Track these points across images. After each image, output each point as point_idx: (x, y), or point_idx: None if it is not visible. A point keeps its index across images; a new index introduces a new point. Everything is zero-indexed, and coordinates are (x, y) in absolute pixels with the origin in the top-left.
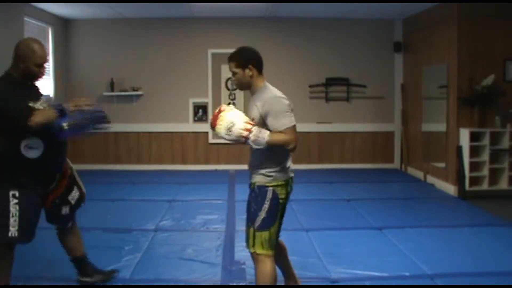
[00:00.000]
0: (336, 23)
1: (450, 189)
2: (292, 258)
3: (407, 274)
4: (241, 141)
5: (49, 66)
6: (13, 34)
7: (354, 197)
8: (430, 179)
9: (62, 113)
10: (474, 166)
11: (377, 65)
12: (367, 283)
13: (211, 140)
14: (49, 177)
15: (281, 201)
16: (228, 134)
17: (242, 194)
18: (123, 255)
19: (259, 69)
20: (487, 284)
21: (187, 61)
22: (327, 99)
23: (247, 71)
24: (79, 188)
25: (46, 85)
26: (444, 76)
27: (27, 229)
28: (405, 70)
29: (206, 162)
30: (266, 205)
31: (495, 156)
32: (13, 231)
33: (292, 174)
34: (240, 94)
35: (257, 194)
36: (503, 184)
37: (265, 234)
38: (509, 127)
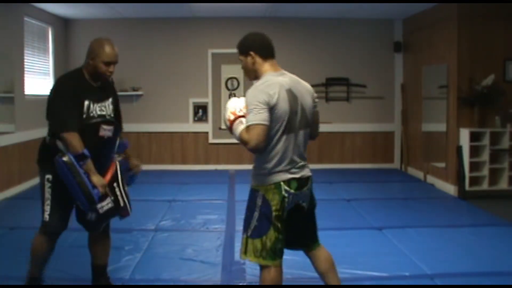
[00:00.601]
0: (336, 23)
1: (450, 189)
2: (292, 258)
3: (407, 274)
4: (230, 133)
5: (49, 66)
6: (13, 34)
7: (354, 197)
8: (430, 179)
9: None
10: (474, 166)
11: (377, 65)
12: (367, 283)
13: (211, 140)
14: None
15: (273, 207)
16: (226, 125)
17: (242, 194)
18: (123, 255)
19: (263, 56)
20: (487, 284)
21: (187, 61)
22: (327, 99)
23: (249, 58)
24: (115, 200)
25: (46, 85)
26: (444, 76)
27: (58, 214)
28: (405, 70)
29: (206, 162)
30: (257, 212)
31: (495, 156)
32: (46, 215)
33: (292, 176)
34: (240, 94)
35: (250, 198)
36: (503, 184)
37: (257, 242)
38: (509, 127)
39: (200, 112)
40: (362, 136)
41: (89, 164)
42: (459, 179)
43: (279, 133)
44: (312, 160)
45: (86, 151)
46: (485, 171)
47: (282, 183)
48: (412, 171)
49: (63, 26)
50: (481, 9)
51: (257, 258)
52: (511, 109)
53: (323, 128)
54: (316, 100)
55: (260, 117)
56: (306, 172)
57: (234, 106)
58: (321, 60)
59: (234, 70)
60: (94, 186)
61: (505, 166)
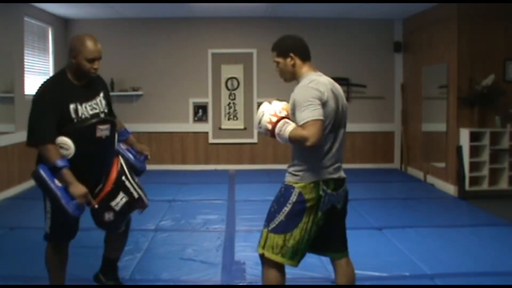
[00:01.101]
0: (336, 23)
1: (450, 189)
2: None
3: (407, 274)
4: (269, 135)
5: (49, 66)
6: (13, 34)
7: (354, 197)
8: (430, 179)
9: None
10: (474, 166)
11: (377, 65)
12: (367, 283)
13: (211, 140)
14: (88, 181)
15: (308, 205)
16: (259, 127)
17: (242, 194)
18: (123, 255)
19: (303, 57)
20: (487, 284)
21: (187, 61)
22: None
23: (288, 60)
24: (128, 193)
25: None
26: (444, 76)
27: (59, 227)
28: (405, 70)
29: (206, 162)
30: (287, 208)
31: (495, 156)
32: (47, 228)
33: (331, 176)
34: (240, 94)
35: (281, 193)
36: (503, 184)
37: (278, 239)
38: (509, 127)
39: (200, 112)
40: (362, 136)
41: (65, 175)
42: (459, 179)
43: (327, 131)
44: None
45: (59, 162)
46: (485, 171)
47: (321, 182)
48: (412, 171)
49: (63, 26)
50: (481, 9)
51: (275, 255)
52: (511, 109)
53: None
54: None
55: (317, 112)
56: (342, 173)
57: (273, 108)
58: (321, 60)
59: (234, 70)
60: (72, 197)
61: (505, 166)
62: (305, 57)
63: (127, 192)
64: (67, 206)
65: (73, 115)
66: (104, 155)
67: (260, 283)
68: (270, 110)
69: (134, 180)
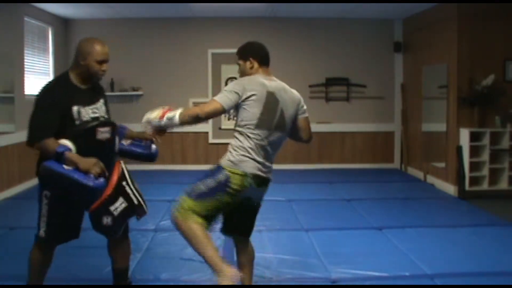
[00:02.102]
0: (336, 23)
1: (450, 189)
2: (292, 258)
3: (407, 274)
4: (159, 128)
5: (49, 66)
6: (13, 34)
7: (354, 197)
8: (430, 179)
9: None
10: (474, 166)
11: (377, 65)
12: (367, 283)
13: (211, 140)
14: None
15: (230, 190)
16: (154, 121)
17: None
18: None
19: (261, 62)
20: (487, 284)
21: (187, 61)
22: (327, 99)
23: (248, 63)
24: (128, 199)
25: None
26: (444, 76)
27: (56, 231)
28: (405, 70)
29: (206, 162)
30: (212, 183)
31: (495, 156)
32: (41, 231)
33: (261, 174)
34: None
35: (212, 171)
36: (503, 184)
37: (189, 201)
38: (509, 127)
39: None
40: (362, 136)
41: (69, 157)
42: (459, 179)
43: (252, 126)
44: (312, 160)
45: (58, 149)
46: (485, 171)
47: (249, 174)
48: (412, 171)
49: (63, 26)
50: (481, 9)
51: (184, 212)
52: (511, 109)
53: (323, 128)
54: (304, 107)
55: (223, 100)
56: (270, 175)
57: (157, 110)
58: (321, 60)
59: (234, 70)
60: (86, 172)
61: (505, 166)
62: (263, 62)
63: (127, 197)
64: (86, 182)
65: (76, 117)
66: (105, 158)
67: (260, 283)
68: (155, 111)
69: (134, 186)
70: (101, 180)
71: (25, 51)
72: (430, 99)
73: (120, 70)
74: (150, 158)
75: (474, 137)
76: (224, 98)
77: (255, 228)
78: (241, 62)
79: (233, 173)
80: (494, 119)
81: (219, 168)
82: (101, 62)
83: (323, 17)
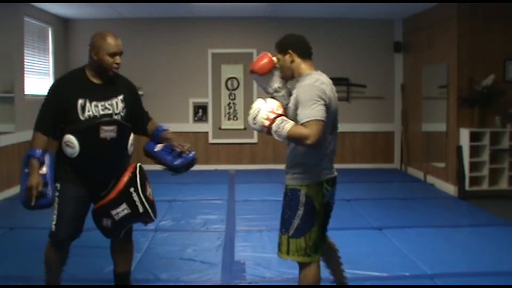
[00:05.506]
0: (336, 23)
1: (450, 189)
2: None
3: (407, 274)
4: (265, 131)
5: (49, 66)
6: (13, 34)
7: (354, 197)
8: (430, 179)
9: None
10: (474, 166)
11: (377, 65)
12: (367, 283)
13: (211, 140)
14: (93, 181)
15: (315, 203)
16: (254, 123)
17: (242, 194)
18: None
19: (302, 55)
20: (487, 284)
21: (187, 61)
22: None
23: (287, 56)
24: (133, 206)
25: (46, 85)
26: (444, 76)
27: (64, 225)
28: (405, 70)
29: (206, 162)
30: (300, 211)
31: (495, 156)
32: (52, 225)
33: (330, 175)
34: (240, 94)
35: (290, 198)
36: (503, 184)
37: (300, 241)
38: (509, 127)
39: (200, 112)
40: (362, 136)
41: (31, 164)
42: (459, 179)
43: (327, 132)
44: None
45: (33, 150)
46: (485, 171)
47: (324, 182)
48: (412, 171)
49: (63, 26)
50: (481, 9)
51: (302, 256)
52: (511, 109)
53: None
54: None
55: (321, 113)
56: (335, 172)
57: (270, 105)
58: (321, 60)
59: (234, 70)
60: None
61: (505, 166)
62: (305, 55)
63: (132, 205)
64: (21, 193)
65: (79, 111)
66: (111, 158)
67: (260, 283)
68: (266, 107)
69: (145, 193)
70: (28, 203)
71: (25, 51)
72: (430, 99)
73: (120, 70)
74: (173, 170)
75: (474, 137)
76: (321, 111)
77: (255, 228)
78: (280, 56)
79: (308, 188)
80: (494, 119)
81: (293, 191)
82: (114, 55)
83: (323, 17)
